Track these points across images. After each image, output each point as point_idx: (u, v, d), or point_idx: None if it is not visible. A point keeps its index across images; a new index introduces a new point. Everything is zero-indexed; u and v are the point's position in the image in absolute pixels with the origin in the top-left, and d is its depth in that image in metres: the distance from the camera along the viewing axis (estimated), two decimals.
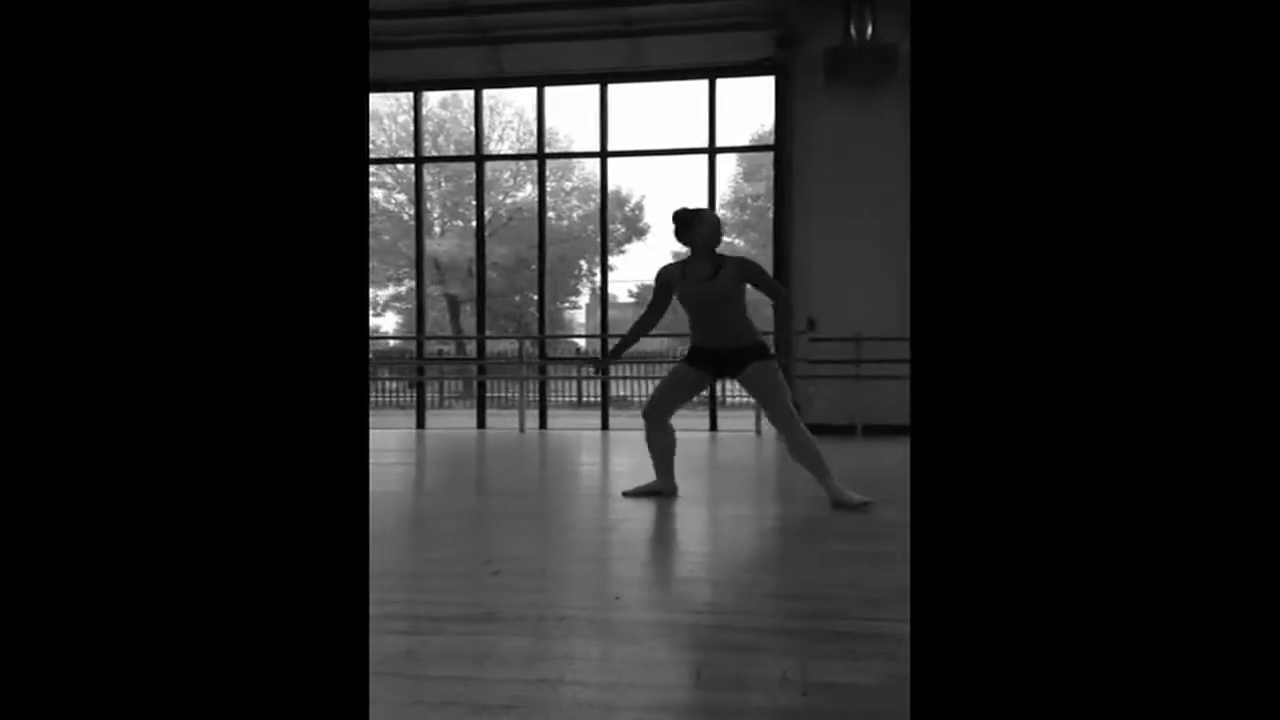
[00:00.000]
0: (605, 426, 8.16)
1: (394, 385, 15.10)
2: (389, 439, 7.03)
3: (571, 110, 27.96)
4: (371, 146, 19.70)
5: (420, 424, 8.48)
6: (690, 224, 3.61)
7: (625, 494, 3.82)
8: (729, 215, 19.23)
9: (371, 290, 21.56)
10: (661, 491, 3.80)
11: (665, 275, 3.74)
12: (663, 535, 2.99)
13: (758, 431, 7.29)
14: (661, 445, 3.78)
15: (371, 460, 5.82)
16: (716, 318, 3.61)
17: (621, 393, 14.63)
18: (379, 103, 19.46)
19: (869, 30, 7.02)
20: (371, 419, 11.17)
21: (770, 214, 8.15)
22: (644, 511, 3.45)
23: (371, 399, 15.82)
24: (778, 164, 7.65)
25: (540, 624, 1.92)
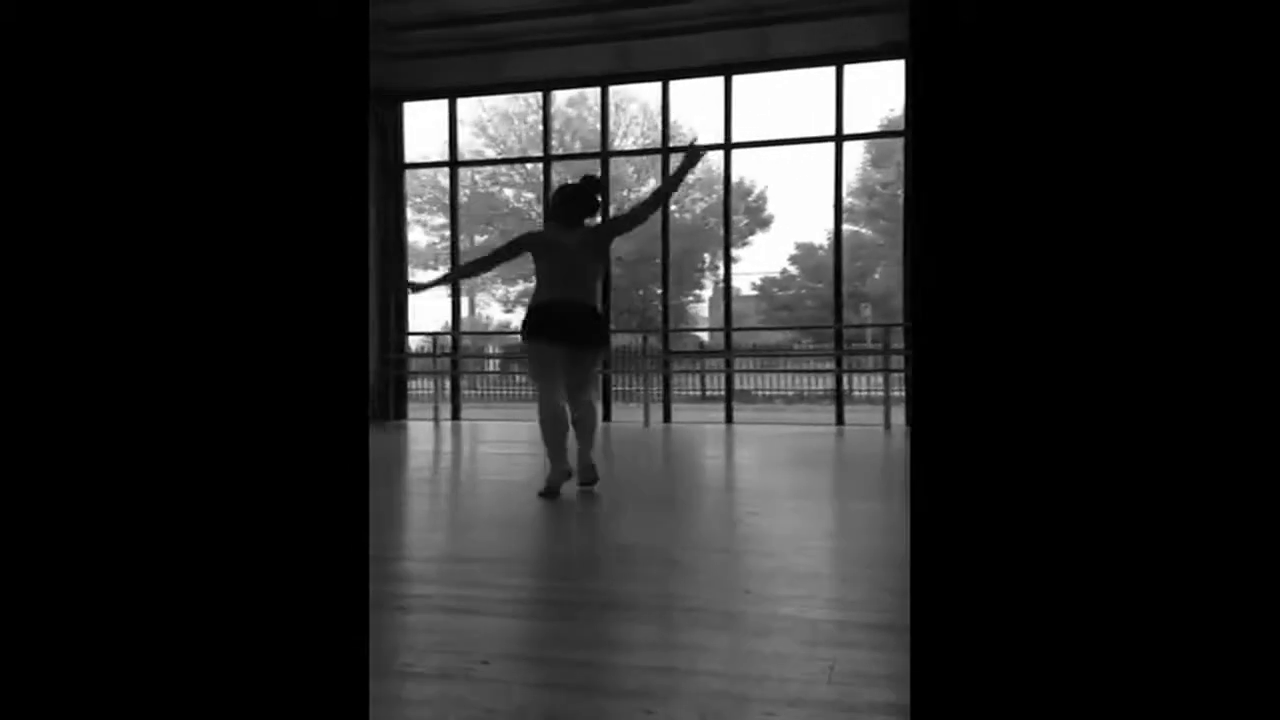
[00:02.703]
0: (729, 420, 8.14)
1: (520, 378, 15.51)
2: (519, 430, 7.23)
3: (695, 103, 27.88)
4: (503, 147, 20.25)
5: None
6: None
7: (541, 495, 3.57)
8: (856, 203, 18.77)
9: (501, 287, 22.10)
10: (563, 479, 3.58)
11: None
12: (789, 529, 2.96)
13: (886, 426, 7.11)
14: (563, 430, 3.67)
15: (499, 451, 5.99)
16: None
17: (745, 386, 14.54)
18: (509, 104, 19.98)
19: None
20: (494, 411, 11.39)
21: (900, 201, 7.91)
22: (770, 505, 3.43)
23: (502, 392, 16.32)
24: (909, 149, 7.42)
25: (669, 613, 1.93)
